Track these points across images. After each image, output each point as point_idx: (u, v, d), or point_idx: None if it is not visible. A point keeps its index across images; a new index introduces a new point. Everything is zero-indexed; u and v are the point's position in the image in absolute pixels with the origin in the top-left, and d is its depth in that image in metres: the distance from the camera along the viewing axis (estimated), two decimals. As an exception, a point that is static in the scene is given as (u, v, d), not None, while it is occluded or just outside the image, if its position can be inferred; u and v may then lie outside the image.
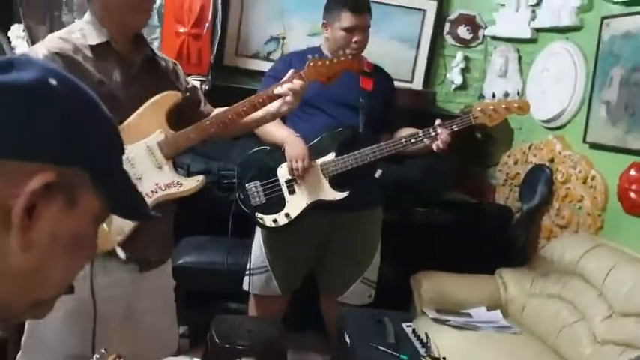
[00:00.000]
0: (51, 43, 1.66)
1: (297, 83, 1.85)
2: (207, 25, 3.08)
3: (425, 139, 2.27)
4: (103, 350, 1.23)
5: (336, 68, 1.95)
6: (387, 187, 2.76)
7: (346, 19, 2.34)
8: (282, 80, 1.87)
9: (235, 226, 2.40)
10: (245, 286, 2.51)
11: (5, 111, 0.59)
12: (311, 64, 1.91)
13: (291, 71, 1.89)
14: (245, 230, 2.49)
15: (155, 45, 3.06)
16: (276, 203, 2.31)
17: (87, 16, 1.71)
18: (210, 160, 3.06)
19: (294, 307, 2.71)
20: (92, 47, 1.67)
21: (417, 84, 3.65)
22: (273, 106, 1.87)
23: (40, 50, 1.63)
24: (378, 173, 2.89)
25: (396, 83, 2.64)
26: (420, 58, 3.68)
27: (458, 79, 3.69)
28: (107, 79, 1.68)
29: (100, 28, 1.68)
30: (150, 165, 1.74)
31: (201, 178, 1.81)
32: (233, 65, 3.49)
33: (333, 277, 2.54)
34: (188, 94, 1.86)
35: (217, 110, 1.96)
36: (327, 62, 1.94)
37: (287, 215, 2.30)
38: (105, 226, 1.68)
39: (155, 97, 1.74)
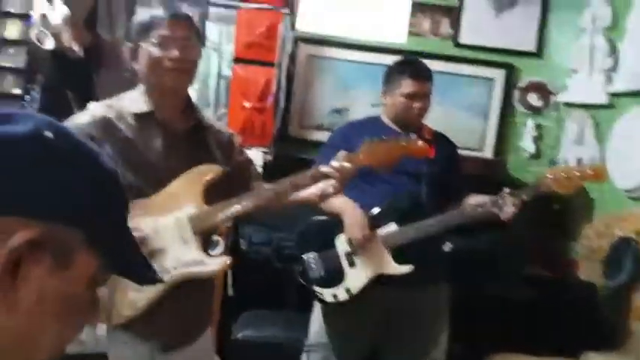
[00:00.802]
0: (96, 109, 1.68)
1: (345, 167, 1.72)
2: (270, 98, 3.13)
3: (492, 209, 2.14)
4: None
5: (395, 154, 1.80)
6: (458, 261, 2.62)
7: (407, 85, 2.30)
8: (332, 162, 1.76)
9: (298, 298, 2.32)
10: (303, 365, 2.38)
11: None
12: (366, 146, 1.76)
13: (341, 153, 1.76)
14: (308, 303, 2.39)
15: (225, 120, 3.13)
16: (335, 276, 2.20)
17: (140, 87, 1.74)
18: (271, 231, 3.02)
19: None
20: (136, 115, 1.68)
21: (488, 153, 3.52)
22: (317, 188, 1.76)
23: (84, 117, 1.66)
24: (448, 247, 2.74)
25: (465, 152, 2.56)
26: (490, 126, 3.57)
27: (530, 147, 3.53)
28: (147, 148, 1.67)
29: (146, 97, 1.70)
30: (176, 239, 1.66)
31: (227, 260, 1.70)
32: (297, 136, 3.52)
33: (397, 358, 2.36)
34: (229, 169, 1.77)
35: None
36: (387, 145, 1.77)
37: (347, 290, 2.18)
38: (112, 298, 1.62)
39: (193, 170, 1.69)
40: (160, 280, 0.73)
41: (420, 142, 1.86)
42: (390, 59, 3.28)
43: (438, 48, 3.50)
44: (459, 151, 2.60)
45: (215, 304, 2.85)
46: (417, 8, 3.50)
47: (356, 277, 2.18)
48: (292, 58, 3.39)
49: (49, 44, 2.34)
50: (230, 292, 2.89)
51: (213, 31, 3.23)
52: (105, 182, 0.63)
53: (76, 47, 2.35)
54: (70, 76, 2.39)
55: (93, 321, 0.66)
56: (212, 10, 3.22)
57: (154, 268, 0.71)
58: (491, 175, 3.30)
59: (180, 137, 1.72)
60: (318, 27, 3.49)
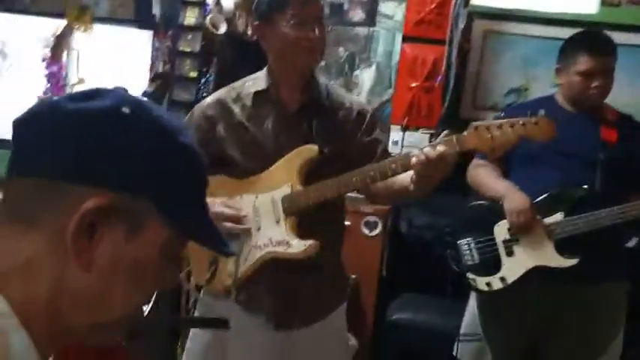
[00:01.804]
0: (220, 92, 1.80)
1: (438, 150, 1.47)
2: (439, 77, 3.02)
3: None
4: None
5: (510, 137, 1.48)
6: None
7: (584, 62, 2.05)
8: (435, 141, 1.55)
9: (457, 285, 2.24)
10: (455, 353, 2.29)
11: (73, 134, 0.61)
12: (474, 129, 1.50)
13: (444, 132, 1.56)
14: (467, 291, 2.29)
15: (389, 109, 3.12)
16: (491, 264, 2.08)
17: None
18: (434, 215, 2.94)
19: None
20: (254, 94, 1.73)
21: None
22: (407, 176, 1.58)
23: (208, 98, 1.80)
24: (634, 242, 2.44)
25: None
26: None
27: None
28: (258, 129, 1.71)
29: (268, 76, 1.74)
30: (270, 218, 1.69)
31: (311, 244, 1.63)
32: (469, 118, 3.33)
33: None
34: (354, 149, 1.73)
35: None
36: (499, 127, 1.47)
37: (502, 279, 2.05)
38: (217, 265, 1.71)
39: (294, 150, 1.69)
40: (233, 254, 0.75)
41: (551, 129, 1.51)
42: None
43: (636, 18, 3.07)
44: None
45: (371, 285, 2.89)
46: (613, -27, 3.11)
47: (513, 267, 2.03)
48: (465, 34, 3.22)
49: (223, 29, 2.52)
50: (384, 272, 2.89)
51: (389, 7, 3.21)
52: (179, 157, 0.66)
53: (249, 31, 2.50)
54: (244, 59, 2.55)
55: (171, 285, 0.70)
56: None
57: (227, 242, 0.73)
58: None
59: (292, 116, 1.73)
60: (495, 0, 3.27)
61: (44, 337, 0.62)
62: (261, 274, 1.70)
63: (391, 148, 3.10)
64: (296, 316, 1.75)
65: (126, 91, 0.67)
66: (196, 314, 1.89)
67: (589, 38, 2.14)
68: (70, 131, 0.61)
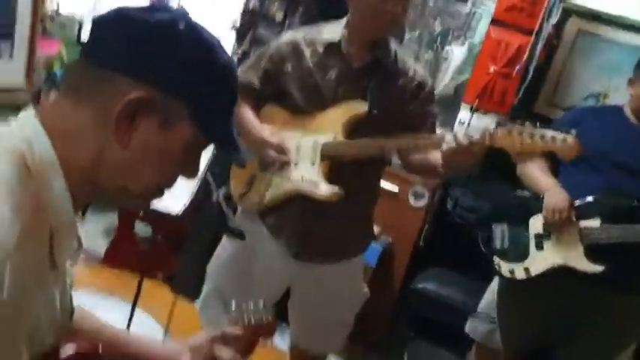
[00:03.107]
0: (297, 31, 1.94)
1: (469, 140, 1.56)
2: (518, 66, 3.01)
3: None
4: (261, 303, 1.31)
5: (536, 148, 1.56)
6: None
7: None
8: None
9: (487, 268, 2.31)
10: (466, 329, 2.39)
11: (133, 39, 0.76)
12: (507, 130, 1.56)
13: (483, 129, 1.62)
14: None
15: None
16: (518, 253, 2.14)
17: (344, 19, 1.88)
18: (482, 200, 2.98)
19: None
20: (325, 43, 1.84)
21: None
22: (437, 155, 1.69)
23: (286, 35, 1.94)
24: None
25: None
26: None
27: None
28: (321, 74, 1.83)
29: (343, 30, 1.83)
30: (308, 158, 1.84)
31: (336, 191, 1.78)
32: (542, 113, 3.32)
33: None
34: (411, 114, 1.85)
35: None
36: (530, 136, 1.53)
37: (526, 270, 2.11)
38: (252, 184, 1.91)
39: (345, 103, 1.81)
40: (243, 165, 0.90)
41: (576, 147, 1.55)
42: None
43: None
44: None
45: (405, 252, 3.00)
46: None
47: (539, 260, 2.09)
48: (557, 30, 3.17)
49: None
50: (421, 243, 2.98)
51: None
52: (216, 72, 0.80)
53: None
54: (328, 9, 2.65)
55: (191, 177, 0.86)
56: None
57: (243, 153, 0.87)
58: None
59: (355, 71, 1.83)
60: (594, 1, 3.18)
61: (78, 191, 0.78)
62: (289, 205, 1.87)
63: (457, 128, 3.16)
64: (313, 252, 1.91)
65: (186, 13, 0.81)
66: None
67: None
68: (132, 33, 0.77)
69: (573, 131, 1.54)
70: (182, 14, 0.80)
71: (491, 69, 3.05)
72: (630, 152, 2.02)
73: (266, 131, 1.88)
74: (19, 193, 0.71)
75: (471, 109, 3.09)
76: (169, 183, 0.85)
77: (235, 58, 3.29)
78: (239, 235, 1.84)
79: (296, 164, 1.86)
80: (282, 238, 1.92)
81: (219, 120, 0.83)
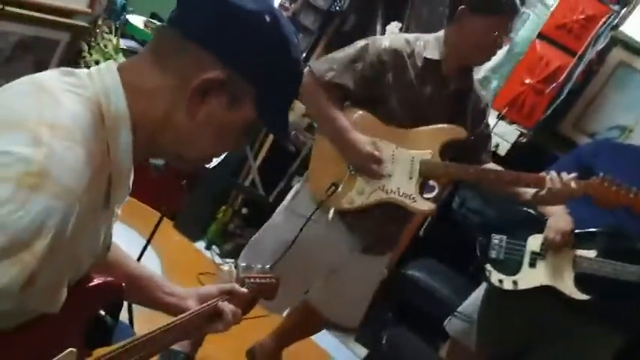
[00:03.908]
0: (396, 40, 1.95)
1: (568, 186, 1.82)
2: (554, 85, 3.05)
3: None
4: (267, 267, 1.41)
5: (618, 199, 1.85)
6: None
7: None
8: (562, 175, 1.86)
9: (478, 272, 2.40)
10: (445, 324, 2.51)
11: (223, 20, 0.83)
12: (602, 182, 1.85)
13: (572, 175, 1.86)
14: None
15: (492, 90, 3.19)
16: (510, 266, 2.23)
17: (440, 33, 1.94)
18: (486, 205, 3.06)
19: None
20: (426, 59, 1.90)
21: None
22: (530, 192, 1.90)
23: (384, 41, 1.94)
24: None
25: None
26: None
27: None
28: (420, 91, 1.90)
29: (441, 47, 1.90)
30: (404, 172, 1.93)
31: (432, 207, 1.97)
32: (565, 134, 3.36)
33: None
34: (473, 138, 1.98)
35: (490, 165, 2.08)
36: (615, 189, 1.85)
37: (515, 283, 2.21)
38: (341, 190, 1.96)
39: (445, 125, 1.91)
40: (288, 146, 1.01)
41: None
42: None
43: None
44: None
45: (405, 239, 3.09)
46: None
47: (529, 277, 2.19)
48: (600, 56, 3.19)
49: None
50: (421, 233, 3.08)
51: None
52: (288, 66, 0.89)
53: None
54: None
55: (237, 150, 0.95)
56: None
57: (291, 139, 0.97)
58: None
59: (449, 93, 1.93)
60: (644, 36, 3.19)
61: (139, 145, 0.86)
62: (373, 209, 1.98)
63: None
64: (381, 247, 2.13)
65: (274, 7, 0.89)
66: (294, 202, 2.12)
67: None
68: (224, 15, 0.84)
69: None
70: (270, 7, 0.87)
71: (527, 81, 3.10)
72: None
73: (361, 137, 1.93)
74: (93, 140, 0.79)
75: (499, 115, 3.14)
76: (220, 154, 0.94)
77: (285, 14, 3.34)
78: (265, 199, 1.93)
79: (390, 175, 1.95)
80: (357, 233, 2.04)
81: (280, 108, 0.92)
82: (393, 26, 3.30)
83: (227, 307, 1.19)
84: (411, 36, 2.00)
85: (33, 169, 0.70)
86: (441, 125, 1.92)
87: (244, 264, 1.32)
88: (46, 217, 0.71)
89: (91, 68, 0.87)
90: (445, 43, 1.92)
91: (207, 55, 0.83)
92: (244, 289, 1.24)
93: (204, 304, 1.17)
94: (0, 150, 0.71)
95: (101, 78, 0.85)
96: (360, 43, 1.97)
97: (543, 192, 1.85)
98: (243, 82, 0.85)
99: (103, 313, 0.94)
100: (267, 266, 1.37)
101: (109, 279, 0.97)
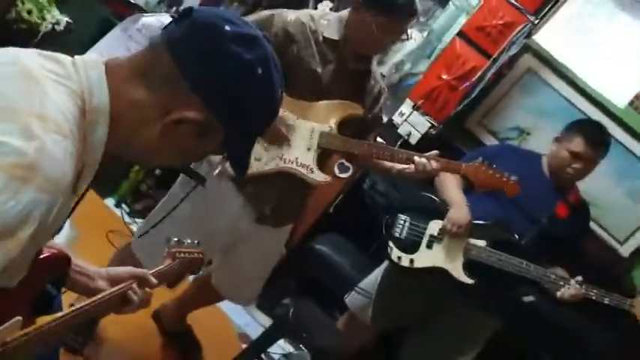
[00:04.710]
0: (302, 15, 2.01)
1: (434, 164, 1.97)
2: (468, 84, 3.24)
3: (550, 283, 2.27)
4: (196, 242, 1.47)
5: (493, 183, 2.06)
6: (526, 314, 2.69)
7: (577, 144, 2.35)
8: (431, 153, 2.01)
9: (381, 252, 2.55)
10: (345, 298, 2.66)
11: (220, 70, 0.88)
12: (478, 166, 2.04)
13: (435, 152, 2.02)
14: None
15: (404, 71, 3.33)
16: (410, 245, 2.41)
17: (344, 13, 2.01)
18: (394, 189, 3.23)
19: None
20: (325, 38, 1.98)
21: (625, 251, 3.34)
22: (400, 166, 2.04)
23: (290, 14, 1.98)
24: (529, 298, 2.80)
25: (604, 234, 2.57)
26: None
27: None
28: (322, 66, 1.97)
29: (341, 28, 1.98)
30: (304, 142, 1.99)
31: (328, 178, 2.03)
32: (470, 129, 3.58)
33: (419, 350, 2.55)
34: (369, 117, 2.09)
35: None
36: (491, 172, 2.04)
37: (411, 261, 2.39)
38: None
39: (345, 101, 2.00)
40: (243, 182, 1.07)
41: (517, 190, 2.10)
42: (596, 116, 3.26)
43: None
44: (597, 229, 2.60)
45: (314, 213, 3.20)
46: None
47: (424, 257, 2.38)
48: (511, 61, 3.42)
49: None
50: (330, 209, 3.21)
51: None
52: (266, 117, 0.97)
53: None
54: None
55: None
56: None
57: (246, 174, 1.03)
58: (609, 270, 3.17)
59: (349, 72, 2.01)
60: (554, 49, 3.45)
61: (111, 143, 0.91)
62: (272, 179, 2.00)
63: (395, 117, 3.37)
64: (277, 218, 2.12)
65: (269, 56, 0.93)
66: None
67: (591, 127, 2.44)
68: (221, 66, 0.88)
69: (514, 177, 2.05)
70: (264, 57, 0.91)
71: (444, 76, 3.26)
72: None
73: None
74: (77, 133, 0.83)
75: (414, 106, 3.30)
76: (181, 165, 1.01)
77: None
78: (201, 180, 1.91)
79: (290, 144, 1.98)
80: (254, 204, 2.05)
81: (245, 148, 1.00)
82: (325, 5, 3.37)
83: (135, 295, 1.22)
84: (316, 12, 2.08)
85: (24, 162, 0.75)
86: (340, 101, 2.00)
87: (176, 239, 1.37)
88: (33, 208, 0.75)
89: (76, 58, 0.90)
90: (345, 25, 1.98)
91: (195, 98, 0.88)
92: (154, 280, 1.27)
93: (114, 289, 1.19)
94: None
95: (86, 72, 0.88)
96: (265, 13, 2.01)
97: (412, 169, 2.01)
98: (218, 124, 0.91)
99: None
100: (196, 241, 1.42)
101: (57, 252, 1.01)
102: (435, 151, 2.03)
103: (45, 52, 0.89)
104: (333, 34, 1.99)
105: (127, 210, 3.22)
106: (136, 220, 3.14)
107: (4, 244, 0.74)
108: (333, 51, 1.99)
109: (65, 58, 0.90)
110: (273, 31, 1.94)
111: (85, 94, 0.86)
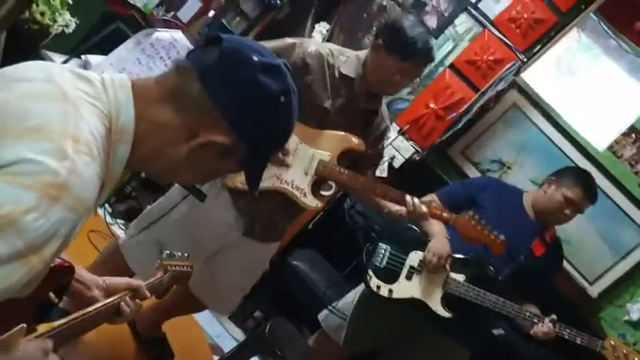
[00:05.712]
0: (323, 47, 2.08)
1: (424, 209, 2.02)
2: (454, 115, 3.30)
3: (525, 320, 2.32)
4: (185, 255, 1.48)
5: (479, 237, 2.09)
6: (495, 346, 2.75)
7: (577, 194, 2.44)
8: (424, 199, 2.08)
9: (357, 274, 2.58)
10: (319, 317, 2.67)
11: (248, 98, 0.93)
12: (468, 219, 2.08)
13: (435, 203, 2.13)
14: (360, 282, 2.62)
15: (402, 106, 3.39)
16: (389, 275, 2.44)
17: (362, 52, 2.08)
18: (374, 213, 3.26)
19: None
20: (341, 74, 2.04)
21: (594, 291, 3.45)
22: (394, 207, 2.09)
23: (312, 45, 2.05)
24: (498, 332, 2.85)
25: (575, 273, 2.63)
26: (617, 270, 3.46)
27: (636, 316, 3.42)
28: (332, 100, 2.04)
29: (358, 67, 2.04)
30: (302, 166, 2.05)
31: (320, 205, 2.11)
32: (452, 158, 3.65)
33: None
34: (369, 154, 2.14)
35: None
36: (479, 228, 2.08)
37: (390, 291, 2.42)
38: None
39: (350, 135, 2.06)
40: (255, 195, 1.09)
41: (502, 249, 2.14)
42: (575, 157, 3.36)
43: (624, 179, 3.40)
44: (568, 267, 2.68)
45: (294, 229, 3.22)
46: (633, 131, 3.44)
47: (403, 288, 2.41)
48: (498, 95, 3.49)
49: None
50: (310, 226, 3.23)
51: (463, 24, 3.37)
52: (281, 141, 1.03)
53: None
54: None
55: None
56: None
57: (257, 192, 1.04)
58: (580, 309, 3.27)
59: (358, 110, 2.07)
60: (540, 87, 3.55)
61: (132, 161, 0.93)
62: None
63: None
64: (265, 233, 2.16)
65: (291, 85, 0.97)
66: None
67: (590, 180, 2.52)
68: (249, 94, 0.92)
69: (502, 236, 2.10)
70: (287, 87, 0.96)
71: (432, 105, 3.33)
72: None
73: None
74: (102, 153, 0.85)
75: (399, 131, 3.35)
76: (200, 183, 1.03)
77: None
78: (202, 196, 1.94)
79: (289, 166, 2.04)
80: (246, 218, 2.09)
81: (261, 167, 1.04)
82: (322, 26, 3.40)
83: (128, 307, 1.23)
84: (337, 48, 2.14)
85: (57, 182, 0.78)
86: (345, 133, 2.06)
87: (168, 251, 1.38)
88: (60, 226, 0.78)
89: (104, 77, 0.92)
90: (363, 64, 2.06)
91: (223, 124, 0.92)
92: (148, 294, 1.28)
93: (109, 300, 1.20)
94: (30, 157, 0.77)
95: (115, 92, 0.90)
96: (289, 41, 2.07)
97: (403, 212, 2.05)
98: (242, 147, 0.95)
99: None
100: (186, 254, 1.43)
101: (63, 261, 1.02)
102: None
103: (76, 70, 0.92)
104: (350, 71, 2.04)
105: (110, 210, 3.19)
106: (118, 221, 3.12)
107: (29, 261, 0.76)
108: (347, 87, 2.05)
109: (95, 77, 0.92)
110: (291, 59, 1.98)
111: (113, 115, 0.89)
